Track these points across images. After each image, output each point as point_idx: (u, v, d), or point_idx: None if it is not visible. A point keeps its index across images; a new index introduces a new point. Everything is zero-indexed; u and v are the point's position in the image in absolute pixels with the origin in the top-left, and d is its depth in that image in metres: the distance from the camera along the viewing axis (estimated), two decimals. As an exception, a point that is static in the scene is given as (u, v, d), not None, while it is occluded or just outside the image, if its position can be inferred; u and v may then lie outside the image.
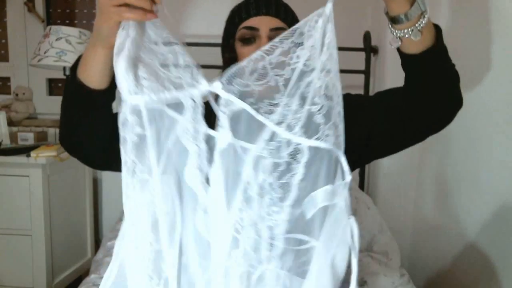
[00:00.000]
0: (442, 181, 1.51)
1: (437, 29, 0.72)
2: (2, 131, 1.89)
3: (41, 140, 2.08)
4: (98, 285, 1.12)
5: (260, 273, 0.61)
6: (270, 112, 0.60)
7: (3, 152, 1.65)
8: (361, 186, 1.93)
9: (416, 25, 0.65)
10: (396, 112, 0.78)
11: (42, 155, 1.62)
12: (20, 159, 1.62)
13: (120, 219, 1.64)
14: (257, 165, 0.60)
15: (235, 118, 0.60)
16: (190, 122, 0.59)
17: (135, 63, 0.59)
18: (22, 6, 2.21)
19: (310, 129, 0.59)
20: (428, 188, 1.66)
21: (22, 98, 2.20)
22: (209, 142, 0.61)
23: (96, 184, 2.19)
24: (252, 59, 0.59)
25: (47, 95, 2.32)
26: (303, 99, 0.59)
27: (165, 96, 0.58)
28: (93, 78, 0.69)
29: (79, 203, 1.98)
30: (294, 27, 0.59)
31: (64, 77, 1.84)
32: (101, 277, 1.16)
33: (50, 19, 2.31)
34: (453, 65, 0.75)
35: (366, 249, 1.48)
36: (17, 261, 1.67)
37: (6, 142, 1.86)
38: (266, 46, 0.59)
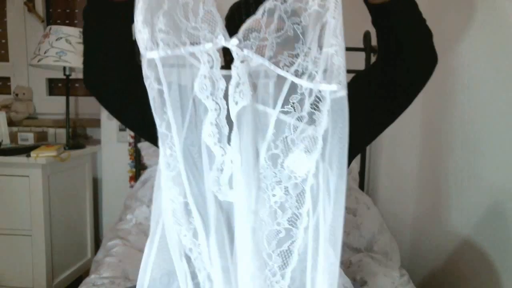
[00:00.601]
0: (442, 181, 1.51)
1: None
2: (2, 131, 1.89)
3: (41, 140, 2.08)
4: (98, 285, 1.12)
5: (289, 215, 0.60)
6: (290, 64, 0.57)
7: (3, 152, 1.65)
8: (361, 186, 1.93)
9: None
10: (376, 79, 0.79)
11: (42, 155, 1.62)
12: (20, 159, 1.62)
13: (120, 219, 1.65)
14: (279, 126, 0.58)
15: (254, 77, 0.58)
16: (208, 78, 0.57)
17: (154, 12, 0.56)
18: (22, 6, 2.22)
19: (330, 73, 0.56)
20: (428, 188, 1.66)
21: (22, 98, 2.20)
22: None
23: (96, 184, 2.19)
24: (266, 9, 0.55)
25: (47, 95, 2.32)
26: (320, 42, 0.57)
27: (180, 52, 0.55)
28: None
29: (79, 203, 1.98)
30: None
31: (64, 77, 1.84)
32: (101, 277, 1.17)
33: (50, 19, 2.31)
34: (424, 20, 0.75)
35: (366, 249, 1.48)
36: (17, 261, 1.67)
37: (6, 142, 1.86)
38: None
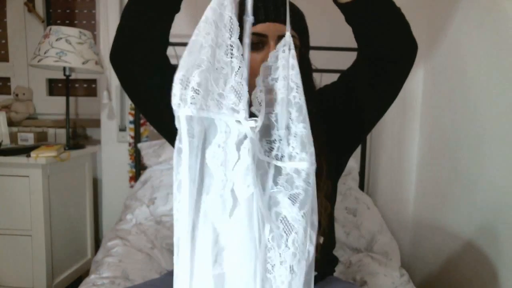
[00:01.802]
0: (442, 181, 1.51)
1: None
2: (2, 131, 1.89)
3: (41, 140, 2.08)
4: (98, 285, 1.12)
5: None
6: (270, 150, 0.60)
7: (3, 152, 1.65)
8: (361, 186, 1.93)
9: None
10: (361, 74, 0.80)
11: (42, 155, 1.62)
12: (20, 159, 1.62)
13: (120, 219, 1.65)
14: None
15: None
16: (221, 147, 0.57)
17: (191, 69, 0.56)
18: (22, 6, 2.22)
19: (304, 147, 0.60)
20: (428, 188, 1.66)
21: (22, 98, 2.20)
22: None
23: (96, 184, 2.19)
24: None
25: (47, 95, 2.32)
26: (290, 122, 0.60)
27: (206, 114, 0.55)
28: None
29: (79, 203, 1.98)
30: (268, 63, 0.61)
31: (64, 77, 1.84)
32: (101, 277, 1.17)
33: (50, 19, 2.31)
34: (397, 8, 0.75)
35: (366, 249, 1.48)
36: (17, 261, 1.67)
37: (6, 142, 1.86)
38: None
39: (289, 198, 0.59)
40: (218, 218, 0.57)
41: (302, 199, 0.59)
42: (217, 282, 0.56)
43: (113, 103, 2.07)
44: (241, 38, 0.58)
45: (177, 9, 0.80)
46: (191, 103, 0.54)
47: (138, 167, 2.01)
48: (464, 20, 1.38)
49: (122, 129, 2.08)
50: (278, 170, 0.60)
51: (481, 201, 1.25)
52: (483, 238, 1.23)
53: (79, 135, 2.20)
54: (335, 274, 1.05)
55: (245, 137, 0.57)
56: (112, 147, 2.09)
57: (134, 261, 1.28)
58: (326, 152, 0.82)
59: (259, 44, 0.81)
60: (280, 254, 0.58)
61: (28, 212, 1.65)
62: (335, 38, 1.55)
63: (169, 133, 0.81)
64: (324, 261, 0.86)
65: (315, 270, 0.67)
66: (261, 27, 0.81)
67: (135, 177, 2.01)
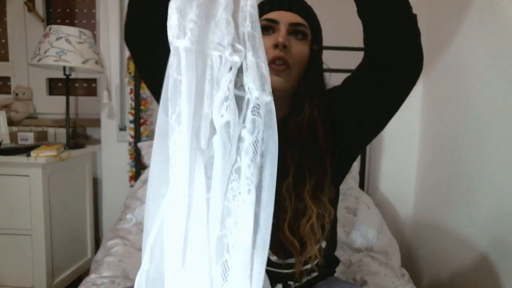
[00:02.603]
0: (442, 181, 1.51)
1: None
2: (2, 131, 1.89)
3: (41, 140, 2.08)
4: (98, 284, 1.12)
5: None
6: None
7: (3, 152, 1.65)
8: (361, 186, 1.93)
9: None
10: (366, 81, 0.78)
11: (42, 155, 1.62)
12: (20, 159, 1.62)
13: (120, 218, 1.65)
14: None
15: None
16: (207, 80, 0.60)
17: (188, 1, 0.58)
18: (22, 6, 2.22)
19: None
20: (428, 188, 1.66)
21: (22, 98, 2.20)
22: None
23: (96, 184, 2.19)
24: None
25: (47, 95, 2.32)
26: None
27: (204, 45, 0.58)
28: None
29: (79, 203, 1.98)
30: None
31: (64, 77, 1.84)
32: (101, 277, 1.17)
33: (50, 19, 2.31)
34: (413, 12, 0.73)
35: (366, 249, 1.48)
36: (17, 261, 1.67)
37: (6, 142, 1.86)
38: None
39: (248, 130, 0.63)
40: (199, 148, 0.61)
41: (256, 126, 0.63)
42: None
43: (113, 103, 2.07)
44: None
45: None
46: (191, 34, 0.56)
47: (138, 166, 2.01)
48: (465, 20, 1.38)
49: (122, 128, 2.08)
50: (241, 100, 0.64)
51: (481, 201, 1.25)
52: (483, 238, 1.23)
53: (79, 135, 2.20)
54: (335, 274, 1.05)
55: (230, 70, 0.60)
56: (112, 147, 2.09)
57: (134, 261, 1.28)
58: (331, 158, 0.82)
59: (270, 29, 0.83)
60: (239, 185, 0.62)
61: (28, 211, 1.65)
62: (339, 37, 1.55)
63: None
64: (325, 262, 0.86)
65: (316, 271, 0.68)
66: (274, 14, 0.83)
67: (135, 176, 2.01)
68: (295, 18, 0.82)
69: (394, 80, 0.76)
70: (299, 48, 0.82)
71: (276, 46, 0.79)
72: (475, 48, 1.31)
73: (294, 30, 0.82)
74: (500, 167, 1.16)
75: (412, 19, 0.73)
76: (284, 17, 0.82)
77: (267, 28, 0.82)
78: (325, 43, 0.95)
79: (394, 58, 0.73)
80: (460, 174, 1.38)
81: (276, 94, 0.67)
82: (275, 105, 0.67)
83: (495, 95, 1.20)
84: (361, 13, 0.75)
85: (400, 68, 0.74)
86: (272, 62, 0.79)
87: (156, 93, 0.84)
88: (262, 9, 0.85)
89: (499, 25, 1.18)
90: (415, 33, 0.73)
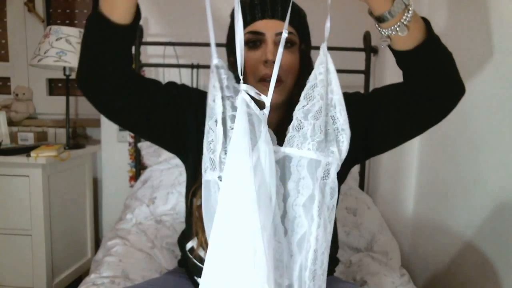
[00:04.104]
0: (442, 181, 1.51)
1: (426, 22, 0.71)
2: (2, 131, 1.89)
3: (41, 140, 2.08)
4: (98, 284, 1.12)
5: None
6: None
7: (3, 152, 1.65)
8: (361, 186, 1.93)
9: (402, 20, 0.65)
10: (398, 105, 0.78)
11: (42, 155, 1.62)
12: (20, 159, 1.62)
13: (120, 218, 1.65)
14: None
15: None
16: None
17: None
18: (22, 6, 2.22)
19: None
20: (428, 188, 1.66)
21: (22, 98, 2.20)
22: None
23: (96, 184, 2.19)
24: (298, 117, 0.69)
25: (47, 95, 2.32)
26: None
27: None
28: (117, 11, 0.69)
29: (79, 203, 1.98)
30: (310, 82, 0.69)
31: (64, 77, 1.84)
32: (101, 277, 1.17)
33: (50, 19, 2.31)
34: (450, 54, 0.74)
35: (366, 249, 1.48)
36: (17, 261, 1.67)
37: (6, 142, 1.86)
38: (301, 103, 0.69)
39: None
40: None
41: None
42: None
43: (113, 103, 2.07)
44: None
45: (130, 43, 0.75)
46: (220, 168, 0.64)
47: (138, 166, 2.01)
48: (465, 20, 1.38)
49: (122, 129, 2.08)
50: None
51: (481, 201, 1.25)
52: (483, 238, 1.23)
53: (79, 135, 2.20)
54: (335, 274, 1.05)
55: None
56: (112, 147, 2.09)
57: (134, 261, 1.28)
58: None
59: (257, 42, 0.81)
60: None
61: (28, 212, 1.65)
62: (335, 37, 1.55)
63: (150, 136, 0.85)
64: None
65: None
66: (258, 25, 0.80)
67: (135, 176, 2.01)
68: (280, 26, 0.79)
69: (436, 110, 0.77)
70: (289, 59, 0.80)
71: (265, 62, 0.78)
72: (475, 49, 1.31)
73: (281, 39, 0.80)
74: (500, 167, 1.16)
75: (452, 63, 0.74)
76: (270, 27, 0.80)
77: (254, 41, 0.80)
78: (319, 42, 0.94)
79: (439, 99, 0.74)
80: (460, 174, 1.38)
81: (272, 107, 0.68)
82: (271, 116, 0.69)
83: (495, 94, 1.20)
84: (401, 66, 0.74)
85: (444, 101, 0.75)
86: (263, 80, 0.79)
87: (140, 131, 0.85)
88: (244, 19, 0.80)
89: (499, 25, 1.19)
90: (455, 73, 0.74)
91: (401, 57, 0.72)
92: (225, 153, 0.65)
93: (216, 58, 0.65)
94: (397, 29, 0.66)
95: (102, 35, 0.71)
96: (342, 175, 0.94)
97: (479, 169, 1.27)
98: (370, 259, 1.36)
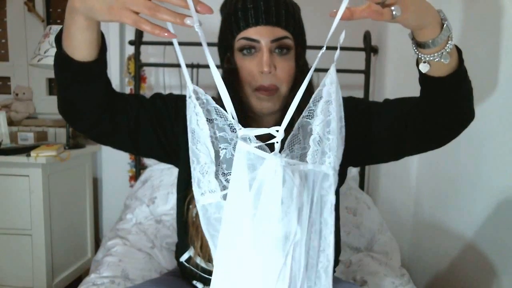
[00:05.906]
0: (442, 181, 1.51)
1: (458, 50, 0.71)
2: (2, 131, 1.89)
3: (41, 140, 2.08)
4: (98, 284, 1.12)
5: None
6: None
7: (3, 152, 1.65)
8: (361, 186, 1.93)
9: (446, 47, 0.64)
10: (408, 122, 0.77)
11: (42, 155, 1.62)
12: (20, 159, 1.62)
13: (120, 218, 1.65)
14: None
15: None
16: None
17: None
18: (22, 6, 2.22)
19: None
20: (428, 188, 1.66)
21: (22, 98, 2.20)
22: None
23: (96, 184, 2.19)
24: (300, 126, 0.67)
25: (47, 95, 2.32)
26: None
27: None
28: (78, 50, 0.66)
29: (79, 203, 1.98)
30: (318, 93, 0.67)
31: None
32: (101, 277, 1.17)
33: (50, 19, 2.31)
34: (470, 82, 0.75)
35: (366, 249, 1.48)
36: (17, 261, 1.67)
37: (6, 142, 1.86)
38: (305, 112, 0.67)
39: None
40: None
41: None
42: None
43: (113, 103, 2.07)
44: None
45: (101, 74, 0.73)
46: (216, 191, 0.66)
47: (138, 166, 2.01)
48: (464, 20, 1.38)
49: (122, 128, 2.08)
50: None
51: (481, 201, 1.24)
52: (483, 238, 1.23)
53: (79, 135, 2.20)
54: (335, 274, 1.05)
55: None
56: (112, 147, 2.09)
57: (134, 261, 1.28)
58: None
59: (252, 49, 0.79)
60: None
61: (28, 211, 1.65)
62: (335, 37, 1.54)
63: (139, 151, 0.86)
64: None
65: None
66: (252, 31, 0.78)
67: (135, 176, 2.01)
68: (275, 32, 0.78)
69: (444, 133, 0.77)
70: (285, 66, 0.79)
71: (262, 72, 0.77)
72: (475, 49, 1.31)
73: (277, 46, 0.78)
74: (500, 167, 1.16)
75: (471, 93, 0.75)
76: (264, 34, 0.77)
77: (248, 48, 0.78)
78: (316, 42, 0.93)
79: (450, 125, 0.76)
80: (460, 174, 1.38)
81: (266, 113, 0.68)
82: (266, 121, 0.68)
83: (496, 95, 1.20)
84: (430, 91, 0.73)
85: (455, 126, 0.76)
86: (260, 89, 0.78)
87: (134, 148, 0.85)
88: (238, 24, 0.79)
89: (499, 25, 1.18)
90: (471, 101, 0.76)
91: (431, 81, 0.70)
92: (222, 174, 0.66)
93: (191, 84, 0.67)
94: (441, 55, 0.64)
95: (69, 75, 0.69)
96: (345, 175, 0.94)
97: (479, 169, 1.27)
98: (370, 259, 1.36)
